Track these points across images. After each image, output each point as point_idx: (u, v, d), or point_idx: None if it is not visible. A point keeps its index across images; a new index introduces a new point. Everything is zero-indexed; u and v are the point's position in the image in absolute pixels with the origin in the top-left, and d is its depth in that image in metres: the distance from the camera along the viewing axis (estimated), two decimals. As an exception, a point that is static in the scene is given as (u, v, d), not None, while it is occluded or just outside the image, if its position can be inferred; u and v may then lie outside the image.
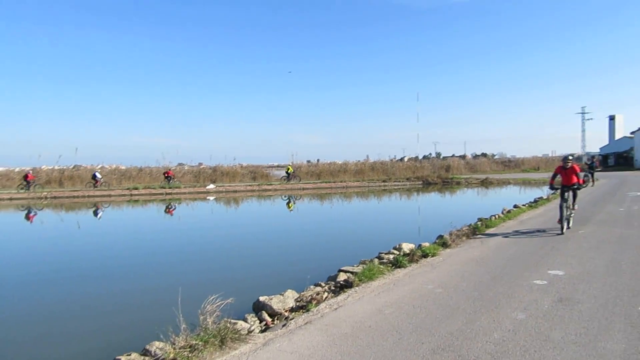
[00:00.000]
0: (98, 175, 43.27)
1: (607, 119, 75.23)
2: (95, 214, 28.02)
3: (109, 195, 37.21)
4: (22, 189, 39.00)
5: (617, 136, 70.73)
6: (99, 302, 9.24)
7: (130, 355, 5.34)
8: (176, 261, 13.01)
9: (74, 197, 36.68)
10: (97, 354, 6.32)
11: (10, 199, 35.67)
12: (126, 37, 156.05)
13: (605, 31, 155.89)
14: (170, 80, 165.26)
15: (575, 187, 12.07)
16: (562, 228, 11.73)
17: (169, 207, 30.36)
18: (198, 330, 5.33)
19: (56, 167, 46.07)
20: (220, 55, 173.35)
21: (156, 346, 5.46)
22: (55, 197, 36.10)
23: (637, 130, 58.50)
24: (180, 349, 4.98)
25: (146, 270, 11.98)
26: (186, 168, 53.03)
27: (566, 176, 12.10)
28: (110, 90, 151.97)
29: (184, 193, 38.94)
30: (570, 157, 12.22)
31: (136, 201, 34.42)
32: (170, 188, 40.32)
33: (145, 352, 5.49)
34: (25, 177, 40.46)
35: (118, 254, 14.41)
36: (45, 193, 36.60)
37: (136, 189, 38.96)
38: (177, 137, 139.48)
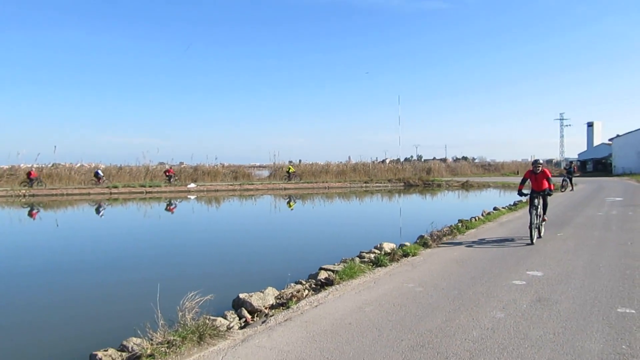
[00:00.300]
0: (100, 173, 43.02)
1: (586, 126, 76.62)
2: (82, 211, 27.58)
3: (88, 194, 36.65)
4: (24, 186, 38.44)
5: (596, 143, 72.10)
6: (76, 297, 9.09)
7: (107, 350, 5.26)
8: (156, 258, 12.86)
9: (52, 195, 36.07)
10: (73, 349, 6.19)
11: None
12: (106, 35, 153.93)
13: (584, 38, 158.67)
14: (151, 79, 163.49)
15: (546, 193, 11.23)
16: (531, 237, 10.73)
17: (170, 205, 30.41)
18: (176, 327, 5.26)
19: (35, 165, 45.12)
20: (200, 54, 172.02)
21: (133, 342, 5.39)
22: (33, 195, 35.43)
23: (615, 137, 59.62)
24: (157, 344, 4.90)
25: (125, 267, 11.80)
26: (167, 167, 52.45)
27: (536, 181, 11.32)
28: (90, 89, 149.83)
29: (165, 192, 38.55)
30: (541, 162, 11.60)
31: (116, 199, 33.97)
32: (174, 186, 40.57)
33: (122, 348, 5.42)
34: (29, 174, 40.15)
35: (97, 250, 14.19)
36: (24, 191, 35.90)
37: (116, 187, 38.41)
38: (157, 136, 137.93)
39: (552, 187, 11.38)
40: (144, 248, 14.78)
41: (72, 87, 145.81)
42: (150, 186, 39.27)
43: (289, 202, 32.08)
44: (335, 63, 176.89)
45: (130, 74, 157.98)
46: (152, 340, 5.03)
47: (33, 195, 35.27)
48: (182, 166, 54.08)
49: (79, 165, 50.14)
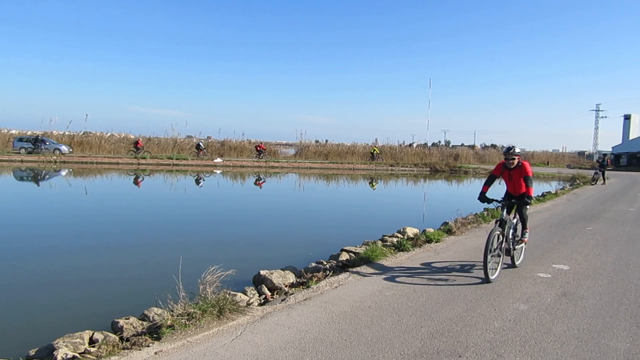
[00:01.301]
0: (202, 145, 45.93)
1: (622, 118, 74.34)
2: (107, 181, 28.13)
3: (117, 163, 37.28)
4: (132, 155, 41.07)
5: (632, 136, 69.87)
6: (101, 264, 9.28)
7: (128, 319, 5.34)
8: (180, 230, 13.03)
9: (82, 162, 36.82)
10: (96, 315, 6.32)
11: (22, 161, 35.79)
12: (141, 8, 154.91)
13: (626, 29, 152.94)
14: (183, 54, 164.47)
15: (525, 200, 7.30)
16: (485, 271, 6.55)
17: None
18: (197, 299, 5.31)
19: (67, 133, 46.02)
20: (232, 32, 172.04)
21: (154, 312, 5.47)
22: (64, 162, 36.21)
23: (652, 131, 57.77)
24: (178, 316, 4.96)
25: (150, 238, 12.01)
26: (195, 141, 52.88)
27: (510, 181, 7.62)
28: (122, 60, 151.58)
29: (192, 165, 38.98)
30: (518, 150, 7.43)
31: (143, 170, 34.49)
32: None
33: (143, 317, 5.50)
34: (136, 143, 43.18)
35: (124, 223, 14.45)
36: (55, 157, 36.67)
37: (144, 158, 38.99)
38: (186, 109, 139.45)
39: (530, 192, 7.27)
40: (169, 220, 14.99)
41: (104, 57, 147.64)
42: (177, 159, 39.73)
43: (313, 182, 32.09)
44: (365, 42, 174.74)
45: (164, 47, 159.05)
46: (172, 311, 5.09)
47: (64, 162, 36.04)
48: (210, 140, 54.47)
49: (109, 134, 51.03)
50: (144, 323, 5.29)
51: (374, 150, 51.97)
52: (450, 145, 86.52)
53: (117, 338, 4.83)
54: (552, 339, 4.65)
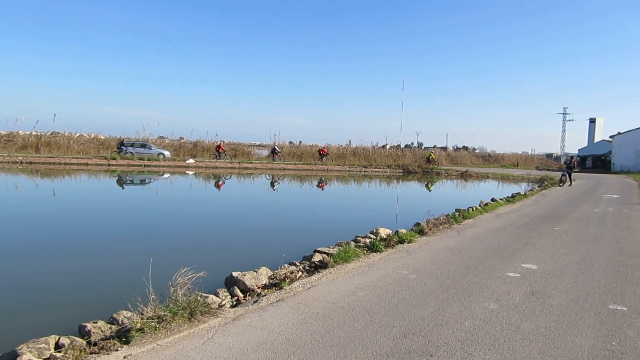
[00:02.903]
0: (277, 148, 47.91)
1: (588, 122, 76.39)
2: (75, 182, 27.49)
3: (86, 164, 36.51)
4: (213, 158, 43.52)
5: (597, 139, 71.86)
6: (68, 268, 9.05)
7: (96, 322, 5.22)
8: (150, 232, 12.84)
9: (50, 163, 35.94)
10: (63, 320, 6.16)
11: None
12: (112, 7, 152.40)
13: (591, 34, 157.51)
14: (153, 53, 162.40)
15: None
16: None
17: (219, 181, 30.87)
18: (167, 302, 5.24)
19: (33, 133, 44.75)
20: (205, 32, 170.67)
21: (124, 315, 5.36)
22: (30, 163, 35.29)
23: (617, 135, 59.40)
24: (148, 319, 4.88)
25: (119, 240, 11.78)
26: (167, 141, 52.19)
27: None
28: (92, 58, 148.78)
29: (163, 166, 38.47)
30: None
31: (113, 171, 33.87)
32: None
33: (112, 321, 5.39)
34: (218, 147, 44.70)
35: (92, 222, 14.16)
36: (21, 158, 35.73)
37: (114, 159, 38.26)
38: (158, 110, 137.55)
39: None
40: (139, 221, 14.76)
41: (72, 54, 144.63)
42: (148, 160, 39.13)
43: (277, 183, 32.03)
44: (338, 43, 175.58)
45: (134, 48, 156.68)
46: (142, 314, 5.01)
47: (30, 163, 35.12)
48: (182, 141, 53.84)
49: (78, 134, 49.90)
50: (113, 327, 5.18)
51: (430, 155, 53.87)
52: (423, 147, 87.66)
53: (84, 342, 4.71)
54: (520, 337, 4.74)
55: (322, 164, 45.87)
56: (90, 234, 12.43)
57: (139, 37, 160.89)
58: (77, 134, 50.18)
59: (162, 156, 41.98)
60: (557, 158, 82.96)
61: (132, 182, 28.55)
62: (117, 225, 13.83)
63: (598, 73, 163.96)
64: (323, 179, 36.15)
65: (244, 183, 31.19)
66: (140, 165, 37.34)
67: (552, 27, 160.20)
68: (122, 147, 41.89)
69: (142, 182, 28.52)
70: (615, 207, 17.65)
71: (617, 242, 10.43)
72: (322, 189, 29.72)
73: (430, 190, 32.13)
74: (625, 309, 5.75)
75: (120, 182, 28.26)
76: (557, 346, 4.52)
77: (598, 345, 4.58)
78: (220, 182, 30.59)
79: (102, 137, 50.23)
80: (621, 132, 58.81)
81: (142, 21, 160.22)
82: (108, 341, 4.55)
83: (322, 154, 49.17)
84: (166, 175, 32.47)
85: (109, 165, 36.68)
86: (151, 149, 42.73)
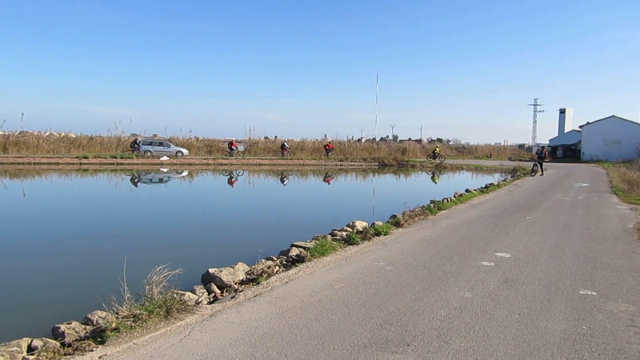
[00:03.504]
0: (286, 145, 49.07)
1: (558, 112, 77.88)
2: (46, 181, 26.89)
3: (57, 163, 35.73)
4: (225, 155, 44.89)
5: (567, 129, 73.36)
6: (41, 268, 8.88)
7: (70, 324, 5.14)
8: (125, 230, 12.65)
9: (19, 163, 35.06)
10: (36, 321, 6.04)
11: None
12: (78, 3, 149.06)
13: (562, 25, 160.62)
14: (126, 49, 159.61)
15: None
16: None
17: (231, 177, 30.87)
18: (143, 300, 5.18)
19: (0, 132, 43.38)
20: (177, 27, 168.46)
21: (98, 315, 5.29)
22: (1, 163, 34.37)
23: (586, 125, 60.71)
24: (123, 318, 4.82)
25: (93, 239, 11.58)
26: (140, 139, 51.41)
27: None
28: (61, 55, 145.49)
29: (137, 164, 37.87)
30: None
31: (86, 170, 33.23)
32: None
33: (86, 321, 5.31)
34: (230, 144, 46.63)
35: (65, 220, 13.89)
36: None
37: (86, 157, 37.48)
38: (131, 107, 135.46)
39: None
40: (113, 220, 14.52)
41: (41, 51, 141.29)
42: (122, 157, 38.48)
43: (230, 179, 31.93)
44: (311, 35, 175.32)
45: (104, 43, 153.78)
46: (117, 313, 4.95)
47: (1, 163, 34.23)
48: (156, 138, 53.07)
49: (47, 133, 48.75)
50: (88, 327, 5.10)
51: (436, 149, 51.24)
52: (398, 140, 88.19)
53: (58, 344, 4.63)
54: (495, 323, 4.83)
55: (327, 159, 46.41)
56: (63, 233, 12.20)
57: (108, 33, 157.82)
58: (47, 133, 48.98)
59: (180, 154, 42.31)
60: (529, 148, 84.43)
61: (104, 180, 28.06)
62: (91, 224, 13.57)
63: (566, 63, 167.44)
64: (299, 173, 36.13)
65: (220, 179, 30.95)
66: (113, 164, 36.69)
67: (521, 16, 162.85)
68: (137, 146, 41.58)
69: (115, 180, 28.03)
70: (585, 196, 18.08)
71: (587, 229, 10.69)
72: (299, 184, 29.71)
73: (404, 182, 32.40)
74: (594, 293, 5.91)
75: (86, 181, 27.76)
76: (530, 332, 4.63)
77: (569, 330, 4.70)
78: (174, 174, 30.31)
79: (73, 136, 49.06)
80: (590, 122, 60.16)
81: (110, 16, 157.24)
82: (82, 342, 4.48)
83: (327, 148, 49.41)
84: (140, 173, 31.97)
85: (80, 164, 35.92)
86: (169, 147, 42.91)
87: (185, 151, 43.32)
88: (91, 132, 50.49)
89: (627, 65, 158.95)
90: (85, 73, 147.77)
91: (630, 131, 54.29)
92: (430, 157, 49.12)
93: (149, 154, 40.83)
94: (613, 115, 56.36)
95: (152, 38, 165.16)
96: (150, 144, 43.10)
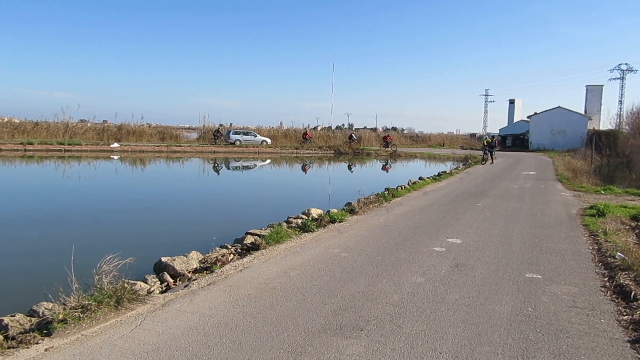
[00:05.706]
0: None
1: (508, 103, 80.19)
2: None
3: (-1, 149, 34.11)
4: (301, 144, 47.56)
5: (516, 119, 75.67)
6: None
7: (14, 316, 4.92)
8: (73, 222, 12.22)
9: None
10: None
11: None
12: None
13: (513, 20, 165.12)
14: (74, 33, 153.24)
15: None
16: None
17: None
18: (92, 291, 5.02)
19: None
20: (127, 9, 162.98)
21: (44, 307, 5.09)
22: None
23: (533, 115, 62.79)
24: (71, 309, 4.67)
25: (38, 228, 11.14)
26: (89, 125, 49.50)
27: None
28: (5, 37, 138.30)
29: (86, 151, 36.62)
30: None
31: (31, 157, 31.86)
32: (307, 149, 45.87)
33: (32, 313, 5.11)
34: (304, 135, 49.39)
35: (8, 210, 13.28)
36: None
37: (31, 144, 35.91)
38: (78, 91, 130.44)
39: None
40: (61, 209, 14.01)
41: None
42: (69, 144, 37.09)
43: (215, 167, 31.50)
44: (267, 24, 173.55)
45: (52, 26, 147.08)
46: (64, 304, 4.78)
47: None
48: (106, 125, 51.35)
49: (-12, 118, 46.38)
50: (33, 319, 4.91)
51: (306, 133, 51.68)
52: (354, 128, 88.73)
53: (1, 337, 4.43)
54: (445, 307, 4.96)
55: (306, 148, 46.96)
56: (5, 221, 11.67)
57: (55, 10, 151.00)
58: (-12, 118, 46.61)
59: (265, 143, 45.84)
60: (480, 138, 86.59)
61: (51, 168, 26.99)
62: (37, 212, 13.05)
63: (515, 55, 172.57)
64: (254, 161, 35.86)
65: (173, 167, 30.33)
66: (60, 150, 35.30)
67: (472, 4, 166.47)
68: (225, 135, 44.97)
69: (63, 167, 27.01)
70: (532, 183, 18.77)
71: (533, 215, 11.11)
72: (254, 171, 29.53)
73: (359, 170, 32.71)
74: (540, 276, 6.17)
75: (31, 168, 26.65)
76: (479, 314, 4.78)
77: (515, 312, 4.89)
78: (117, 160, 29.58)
79: (17, 121, 46.78)
80: (537, 112, 62.30)
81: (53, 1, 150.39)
82: (27, 334, 4.30)
83: (305, 138, 49.39)
84: (89, 161, 30.91)
85: (25, 150, 34.37)
86: (255, 136, 46.54)
87: (268, 140, 46.71)
88: (36, 117, 48.17)
89: (572, 58, 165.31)
90: (29, 53, 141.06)
91: (574, 122, 56.50)
92: (382, 146, 50.62)
93: (238, 142, 44.25)
94: (559, 106, 58.48)
95: (97, 20, 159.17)
96: (237, 133, 46.17)
